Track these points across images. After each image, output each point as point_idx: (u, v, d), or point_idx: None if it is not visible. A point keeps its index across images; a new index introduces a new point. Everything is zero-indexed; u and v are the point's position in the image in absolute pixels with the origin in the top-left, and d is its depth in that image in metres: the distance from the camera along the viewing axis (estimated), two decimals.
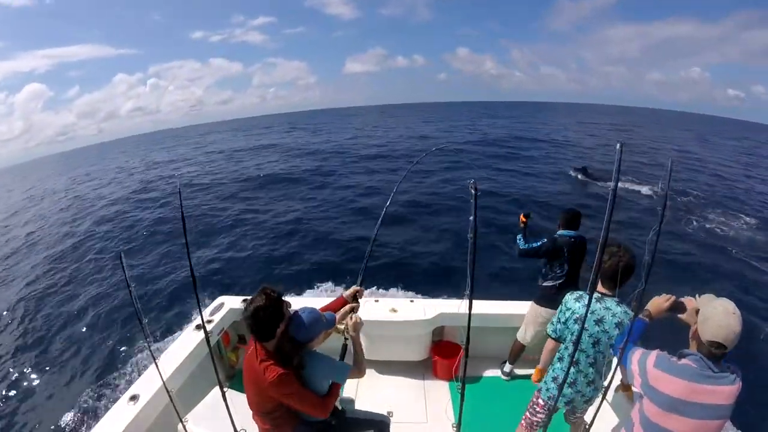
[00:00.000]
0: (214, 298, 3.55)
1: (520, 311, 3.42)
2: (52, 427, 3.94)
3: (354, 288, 2.43)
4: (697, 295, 1.63)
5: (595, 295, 1.95)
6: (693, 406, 1.29)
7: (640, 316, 1.63)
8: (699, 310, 1.42)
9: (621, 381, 2.41)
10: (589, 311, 1.89)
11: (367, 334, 3.28)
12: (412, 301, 3.42)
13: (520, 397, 3.08)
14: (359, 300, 2.43)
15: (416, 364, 3.41)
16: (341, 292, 2.50)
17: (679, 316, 1.67)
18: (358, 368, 2.04)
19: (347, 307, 2.35)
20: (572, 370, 2.03)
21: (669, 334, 1.72)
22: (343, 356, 2.49)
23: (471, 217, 1.32)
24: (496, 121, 43.52)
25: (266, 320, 1.69)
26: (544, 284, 3.08)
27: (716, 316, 1.30)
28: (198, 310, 1.94)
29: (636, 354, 1.51)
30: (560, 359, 2.14)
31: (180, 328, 3.15)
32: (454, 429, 1.58)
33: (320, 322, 1.88)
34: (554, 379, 2.13)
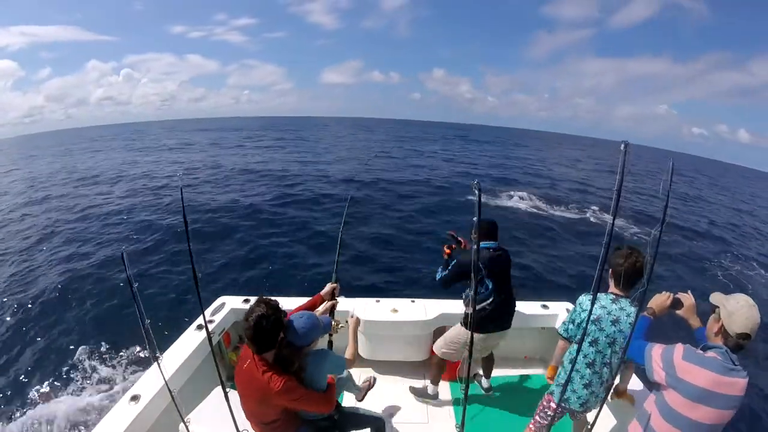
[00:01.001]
0: (215, 298, 3.55)
1: (522, 311, 3.42)
2: (53, 427, 3.94)
3: (330, 285, 2.51)
4: (689, 292, 1.82)
5: (610, 296, 2.02)
6: (717, 396, 1.39)
7: (644, 313, 1.70)
8: (715, 307, 1.53)
9: (616, 387, 2.43)
10: (606, 312, 1.97)
11: (368, 334, 3.28)
12: (413, 301, 3.42)
13: (520, 397, 3.08)
14: (336, 296, 2.53)
15: (417, 365, 3.40)
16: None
17: (678, 312, 1.79)
18: (351, 359, 2.18)
19: (328, 304, 2.44)
20: (588, 371, 2.05)
21: (671, 331, 1.79)
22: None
23: (474, 218, 1.31)
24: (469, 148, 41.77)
25: (269, 330, 1.71)
26: (467, 311, 2.70)
27: (742, 309, 1.42)
28: (200, 309, 1.94)
29: (656, 349, 1.56)
30: (572, 362, 2.10)
31: (181, 328, 3.15)
32: (457, 429, 1.58)
33: (318, 327, 1.92)
34: (570, 382, 2.11)
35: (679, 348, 1.51)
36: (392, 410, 2.96)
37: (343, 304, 3.42)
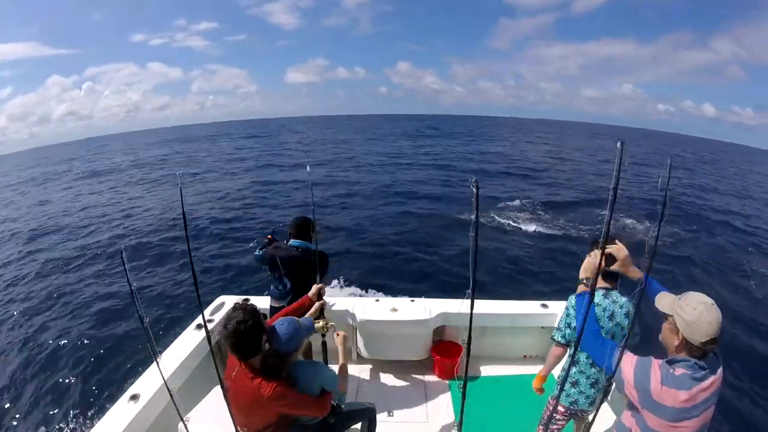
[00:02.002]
0: (214, 298, 3.55)
1: (521, 311, 3.42)
2: (52, 427, 3.94)
3: (316, 286, 2.48)
4: (616, 241, 1.59)
5: (600, 291, 1.95)
6: (697, 406, 1.30)
7: (581, 288, 1.60)
8: (666, 315, 1.38)
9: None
10: (602, 309, 1.91)
11: (367, 333, 3.29)
12: (412, 300, 3.42)
13: (520, 397, 3.08)
14: (323, 296, 2.51)
15: (417, 364, 3.41)
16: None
17: (613, 267, 1.58)
18: (343, 384, 2.11)
19: (317, 304, 2.43)
20: (593, 370, 2.02)
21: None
22: (325, 355, 2.58)
23: (472, 216, 1.31)
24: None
25: (248, 335, 1.68)
26: (273, 305, 2.73)
27: (702, 316, 1.27)
28: (199, 309, 1.94)
29: (627, 364, 1.38)
30: (576, 362, 2.05)
31: (180, 328, 3.15)
32: (456, 428, 1.58)
33: (301, 330, 1.92)
34: (573, 383, 2.06)
35: (655, 371, 1.33)
36: (391, 409, 2.97)
37: (343, 303, 3.42)
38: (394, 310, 3.26)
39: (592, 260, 1.57)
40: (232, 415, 1.82)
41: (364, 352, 3.40)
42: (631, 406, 1.44)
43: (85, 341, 5.37)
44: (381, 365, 3.43)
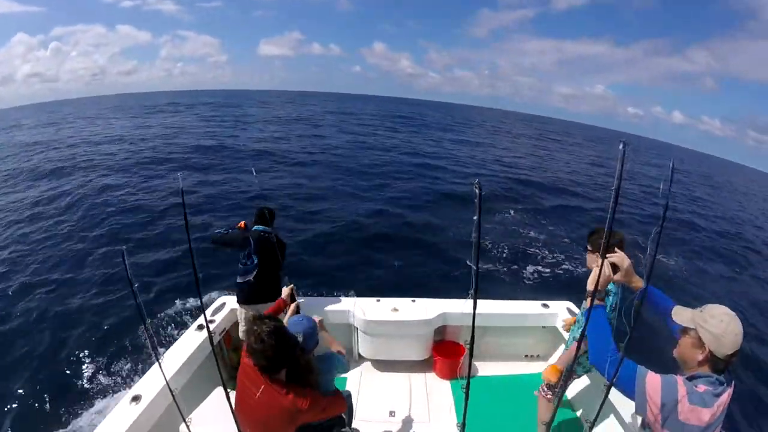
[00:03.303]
0: (215, 298, 3.56)
1: (521, 311, 3.42)
2: (53, 428, 3.94)
3: (287, 288, 2.60)
4: (615, 249, 1.57)
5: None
6: (716, 420, 1.28)
7: (596, 302, 1.45)
8: (687, 328, 1.33)
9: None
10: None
11: (368, 333, 3.29)
12: (413, 300, 3.42)
13: (522, 397, 3.08)
14: (296, 297, 2.64)
15: (418, 364, 3.41)
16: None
17: (615, 278, 1.55)
18: (344, 352, 2.22)
19: (293, 306, 2.48)
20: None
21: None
22: None
23: (475, 217, 1.31)
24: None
25: (287, 342, 1.62)
26: (238, 281, 3.12)
27: (728, 328, 1.25)
28: (201, 310, 1.94)
29: (652, 384, 1.30)
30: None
31: (182, 329, 3.15)
32: (458, 428, 1.58)
33: (315, 327, 1.98)
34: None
35: (682, 389, 1.27)
36: (393, 409, 2.97)
37: (344, 303, 3.43)
38: (395, 310, 3.26)
39: (596, 273, 1.48)
40: (234, 416, 1.81)
41: (365, 352, 3.40)
42: (645, 426, 1.38)
43: (85, 341, 5.36)
44: (382, 365, 3.44)
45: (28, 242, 8.68)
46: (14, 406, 4.29)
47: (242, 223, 3.24)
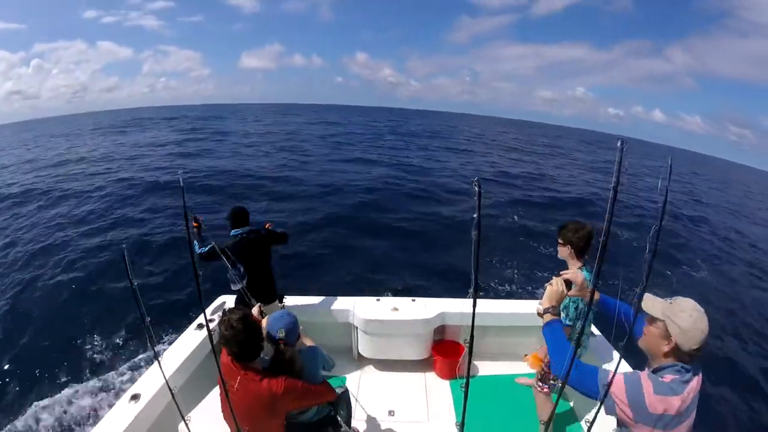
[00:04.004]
0: (215, 297, 3.56)
1: (521, 310, 3.42)
2: (51, 428, 3.94)
3: (256, 307, 2.52)
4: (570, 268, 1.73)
5: (586, 271, 2.19)
6: (688, 408, 1.31)
7: (549, 317, 1.51)
8: (655, 318, 1.36)
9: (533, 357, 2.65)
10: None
11: (368, 332, 3.29)
12: (413, 299, 3.42)
13: (521, 396, 3.08)
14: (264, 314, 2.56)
15: (417, 363, 3.41)
16: None
17: (571, 293, 1.64)
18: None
19: (256, 308, 2.47)
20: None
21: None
22: None
23: (474, 215, 1.31)
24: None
25: (256, 329, 1.73)
26: (233, 289, 2.96)
27: (696, 324, 1.28)
28: (201, 308, 1.93)
29: (616, 382, 1.32)
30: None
31: (182, 327, 3.15)
32: (457, 428, 1.58)
33: (296, 321, 2.03)
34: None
35: (646, 383, 1.30)
36: (392, 408, 2.97)
37: (344, 303, 3.43)
38: (395, 309, 3.27)
39: (554, 288, 1.57)
40: (233, 414, 1.81)
41: (364, 352, 3.40)
42: (620, 425, 1.40)
43: (85, 341, 5.37)
44: (382, 365, 3.44)
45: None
46: (11, 406, 4.28)
47: (195, 223, 3.07)
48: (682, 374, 1.30)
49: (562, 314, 2.28)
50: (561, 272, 1.67)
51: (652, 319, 1.38)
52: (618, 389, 1.32)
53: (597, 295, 1.65)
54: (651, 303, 1.39)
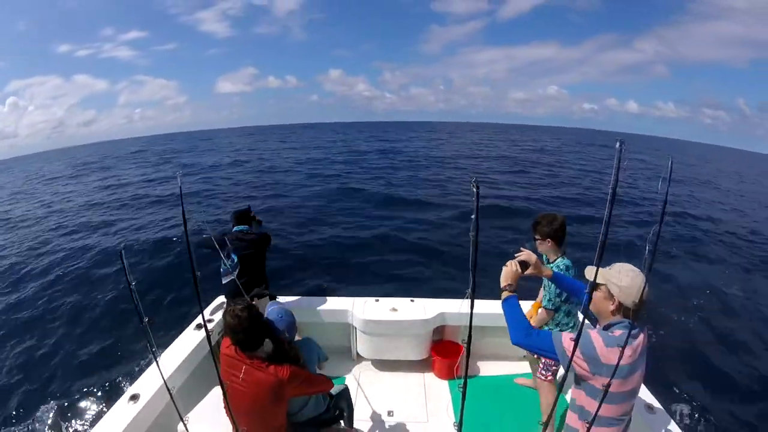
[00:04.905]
0: (214, 297, 3.55)
1: None
2: (51, 427, 3.94)
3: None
4: (521, 248, 1.87)
5: (567, 261, 2.43)
6: (638, 360, 1.46)
7: (507, 294, 1.66)
8: (597, 284, 1.48)
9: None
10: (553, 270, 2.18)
11: (367, 333, 3.29)
12: (412, 300, 3.42)
13: (520, 396, 3.08)
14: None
15: (416, 364, 3.41)
16: None
17: (527, 272, 1.78)
18: None
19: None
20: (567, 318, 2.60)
21: None
22: None
23: (473, 216, 1.31)
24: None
25: (259, 318, 1.79)
26: (224, 282, 3.11)
27: (634, 281, 1.44)
28: (199, 309, 1.93)
29: (567, 341, 1.46)
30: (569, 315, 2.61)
31: (180, 328, 3.15)
32: (455, 428, 1.58)
33: (293, 315, 2.12)
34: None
35: (596, 337, 1.45)
36: (391, 409, 2.97)
37: (343, 303, 3.43)
38: (394, 310, 3.27)
39: (509, 269, 1.71)
40: (231, 415, 1.81)
41: (363, 352, 3.40)
42: (578, 381, 1.55)
43: (84, 340, 5.36)
44: (381, 365, 3.44)
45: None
46: (10, 406, 4.28)
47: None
48: (630, 329, 1.43)
49: (544, 300, 2.58)
50: (516, 255, 1.83)
51: (596, 286, 1.53)
52: (569, 345, 1.46)
53: (549, 272, 1.88)
54: (592, 272, 1.54)
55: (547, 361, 2.61)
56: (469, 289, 1.44)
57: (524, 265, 1.77)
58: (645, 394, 2.49)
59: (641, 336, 1.48)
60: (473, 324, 1.63)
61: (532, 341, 1.54)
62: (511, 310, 1.61)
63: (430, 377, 3.34)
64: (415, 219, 10.75)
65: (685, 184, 19.99)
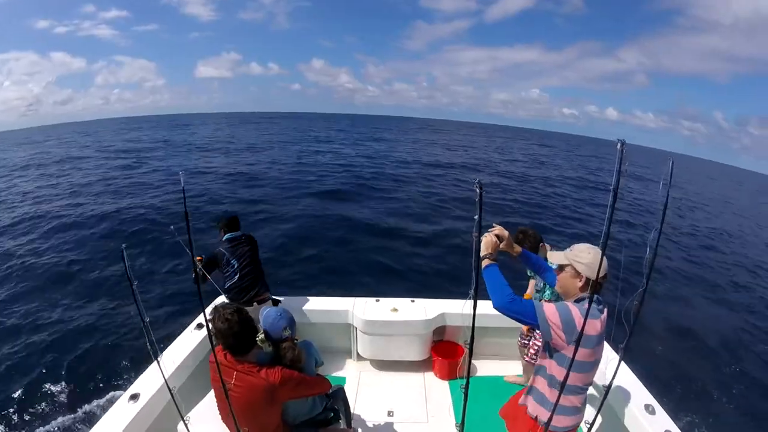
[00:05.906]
0: (215, 297, 3.54)
1: None
2: (50, 427, 3.93)
3: None
4: (494, 225, 1.88)
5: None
6: (602, 335, 1.58)
7: (486, 261, 1.72)
8: (564, 265, 1.66)
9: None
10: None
11: (368, 333, 3.29)
12: (413, 300, 3.42)
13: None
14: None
15: (417, 364, 3.41)
16: None
17: (501, 246, 1.84)
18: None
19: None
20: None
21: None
22: None
23: (476, 216, 1.31)
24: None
25: (250, 321, 1.78)
26: (227, 286, 3.14)
27: (594, 258, 1.55)
28: (201, 308, 1.93)
29: (549, 312, 1.57)
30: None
31: (181, 327, 3.15)
32: (457, 428, 1.58)
33: (293, 317, 2.09)
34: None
35: (573, 309, 1.56)
36: (391, 409, 2.97)
37: (343, 303, 3.43)
38: (395, 310, 3.26)
39: (488, 239, 1.77)
40: (233, 414, 1.81)
41: (364, 353, 3.40)
42: (549, 350, 1.66)
43: (84, 340, 5.35)
44: (381, 365, 3.43)
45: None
46: (12, 404, 4.28)
47: (199, 257, 3.14)
48: (597, 304, 1.57)
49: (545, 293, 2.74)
50: (489, 229, 1.88)
51: (561, 267, 1.69)
52: (551, 314, 1.57)
53: (518, 249, 1.96)
54: (555, 255, 1.72)
55: (539, 346, 2.71)
56: (472, 290, 1.43)
57: (499, 238, 1.85)
58: (645, 394, 2.49)
59: (606, 311, 1.61)
60: (475, 324, 1.63)
61: (514, 306, 1.61)
62: (494, 276, 1.68)
63: (430, 378, 3.34)
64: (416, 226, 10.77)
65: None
